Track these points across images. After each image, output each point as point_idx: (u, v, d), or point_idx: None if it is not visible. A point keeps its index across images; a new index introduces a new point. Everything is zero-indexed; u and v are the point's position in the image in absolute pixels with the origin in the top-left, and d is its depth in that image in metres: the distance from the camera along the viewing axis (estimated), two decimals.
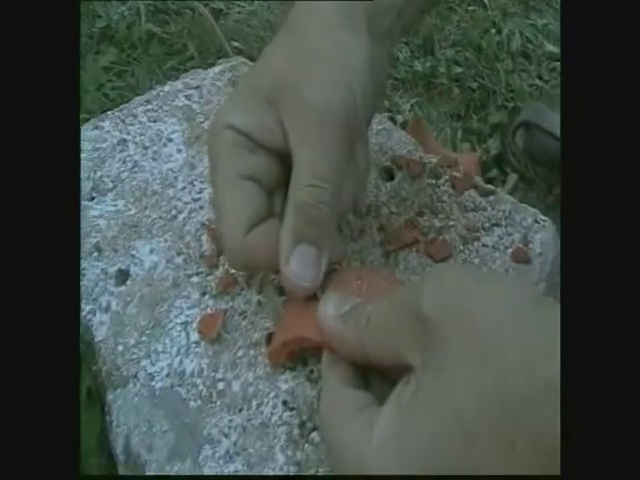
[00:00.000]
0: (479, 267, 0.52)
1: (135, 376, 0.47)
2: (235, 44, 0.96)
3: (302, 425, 0.46)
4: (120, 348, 0.48)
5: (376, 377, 0.42)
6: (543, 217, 0.59)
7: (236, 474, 0.44)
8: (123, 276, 0.51)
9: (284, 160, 0.44)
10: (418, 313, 0.35)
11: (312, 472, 0.44)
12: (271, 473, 0.44)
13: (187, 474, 0.44)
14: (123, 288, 0.50)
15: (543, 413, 0.30)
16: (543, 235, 0.57)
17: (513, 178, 1.00)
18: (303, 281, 0.42)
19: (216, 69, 0.64)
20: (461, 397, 0.32)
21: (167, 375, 0.47)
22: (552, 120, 1.01)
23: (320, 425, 0.43)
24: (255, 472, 0.44)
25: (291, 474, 0.44)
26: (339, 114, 0.42)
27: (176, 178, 0.56)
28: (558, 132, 0.98)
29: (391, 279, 0.47)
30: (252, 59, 1.10)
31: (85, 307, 0.50)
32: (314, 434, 0.45)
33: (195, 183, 0.56)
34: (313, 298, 0.46)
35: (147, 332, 0.48)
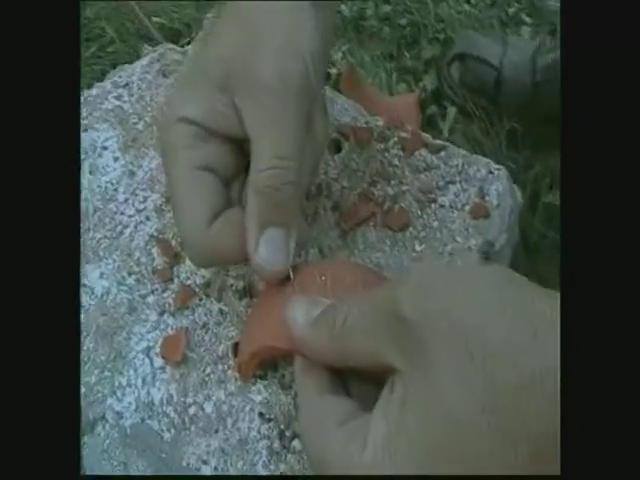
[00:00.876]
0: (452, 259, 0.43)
1: (103, 417, 0.38)
2: (156, 20, 0.83)
3: (281, 435, 0.38)
4: (82, 389, 0.38)
5: (354, 377, 0.34)
6: (496, 166, 0.51)
7: (236, 474, 0.37)
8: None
9: (240, 147, 0.37)
10: (397, 315, 0.29)
11: None
12: None
13: (187, 474, 0.37)
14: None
15: (532, 402, 0.26)
16: (498, 185, 0.48)
17: (452, 112, 0.90)
18: (274, 266, 0.35)
19: (143, 61, 0.52)
20: (451, 399, 0.27)
21: (136, 409, 0.38)
22: (486, 47, 0.90)
23: (302, 438, 0.36)
24: None
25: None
26: (294, 88, 0.35)
27: (116, 190, 0.46)
28: (493, 59, 0.88)
29: (355, 271, 0.38)
30: (176, 33, 0.99)
31: None
32: (295, 442, 0.38)
33: (137, 192, 0.46)
34: (276, 300, 0.38)
35: (108, 366, 0.39)
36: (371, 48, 1.04)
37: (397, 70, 0.98)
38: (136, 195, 0.46)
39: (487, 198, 0.48)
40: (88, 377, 0.39)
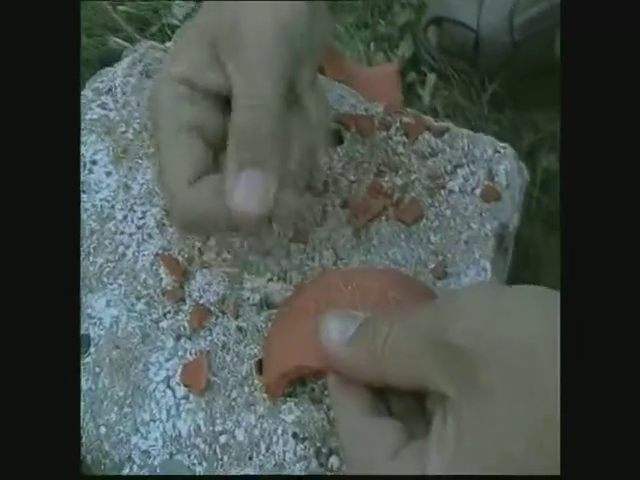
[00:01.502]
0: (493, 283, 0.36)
1: (129, 458, 0.33)
2: (121, 9, 0.75)
3: (318, 453, 0.33)
4: (103, 430, 0.33)
5: (393, 393, 0.29)
6: (502, 144, 0.45)
7: (236, 474, 0.33)
8: (83, 344, 0.35)
9: (228, 109, 0.33)
10: (448, 342, 0.26)
11: None
12: None
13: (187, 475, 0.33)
14: (88, 359, 0.35)
15: None
16: (506, 164, 0.43)
17: (432, 78, 0.84)
18: (251, 207, 0.31)
19: (124, 63, 0.45)
20: (503, 432, 0.25)
21: (163, 445, 0.33)
22: (461, 9, 0.83)
23: (348, 466, 0.31)
24: None
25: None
26: (274, 38, 0.31)
27: (113, 207, 0.39)
28: (469, 21, 0.82)
29: (381, 278, 0.33)
30: (144, 21, 0.90)
31: None
32: (332, 459, 0.33)
33: (135, 208, 0.39)
34: (302, 315, 0.33)
35: (128, 402, 0.34)
36: (345, 19, 0.98)
37: (373, 39, 0.92)
38: (134, 211, 0.39)
39: (496, 179, 0.43)
40: (107, 415, 0.34)
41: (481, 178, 0.42)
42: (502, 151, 0.43)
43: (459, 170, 0.42)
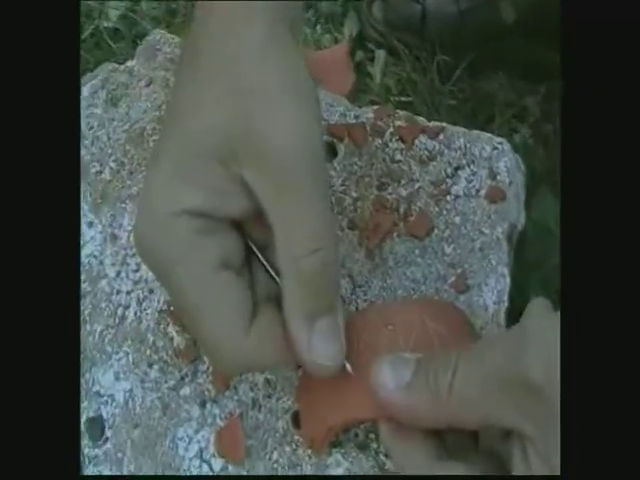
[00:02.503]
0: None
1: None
2: None
3: None
4: None
5: (449, 433, 0.26)
6: (498, 139, 0.39)
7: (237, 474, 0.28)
8: (97, 427, 0.28)
9: (241, 225, 0.25)
10: (526, 382, 0.22)
11: None
12: None
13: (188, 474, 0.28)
14: (108, 445, 0.28)
15: None
16: (506, 161, 0.37)
17: (381, 55, 0.77)
18: (333, 360, 0.25)
19: (84, 91, 0.34)
20: None
21: None
22: None
23: None
24: None
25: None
26: (316, 151, 0.24)
27: (102, 263, 0.31)
28: None
29: (419, 310, 0.27)
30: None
31: None
32: None
33: (128, 260, 0.31)
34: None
35: None
36: None
37: (317, 19, 0.83)
38: (127, 264, 0.31)
39: (499, 177, 0.36)
40: None
41: (483, 178, 0.36)
42: (500, 147, 0.37)
43: (460, 172, 0.36)
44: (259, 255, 0.25)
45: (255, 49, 0.23)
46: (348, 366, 0.25)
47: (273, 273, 0.25)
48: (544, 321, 0.24)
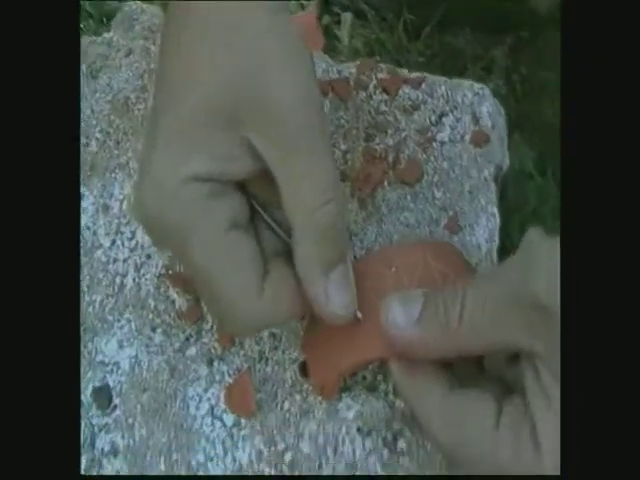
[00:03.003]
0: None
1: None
2: None
3: (386, 442, 0.26)
4: None
5: (458, 362, 0.25)
6: (478, 85, 0.37)
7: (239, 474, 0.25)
8: (104, 396, 0.26)
9: (244, 186, 0.24)
10: (534, 302, 0.21)
11: None
12: None
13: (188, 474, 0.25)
14: (118, 412, 0.25)
15: None
16: (487, 105, 0.35)
17: (348, 17, 0.73)
18: (349, 307, 0.24)
19: None
20: None
21: None
22: None
23: (451, 447, 0.23)
24: None
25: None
26: (317, 107, 0.23)
27: (96, 234, 0.29)
28: None
29: (421, 251, 0.26)
30: None
31: (82, 464, 0.25)
32: (400, 443, 0.26)
33: (122, 229, 0.29)
34: None
35: (175, 448, 0.25)
36: None
37: None
38: (122, 232, 0.29)
39: (481, 122, 0.34)
40: (155, 468, 0.25)
41: (467, 123, 0.34)
42: (480, 92, 0.35)
43: (444, 119, 0.34)
44: (264, 214, 0.24)
45: (262, 17, 0.22)
46: (359, 313, 0.24)
47: (279, 230, 0.24)
48: (546, 244, 0.23)
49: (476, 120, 0.35)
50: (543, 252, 0.22)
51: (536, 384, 0.22)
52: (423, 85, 0.35)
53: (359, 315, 0.24)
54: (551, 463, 0.21)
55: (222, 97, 0.22)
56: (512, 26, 0.52)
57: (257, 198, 0.24)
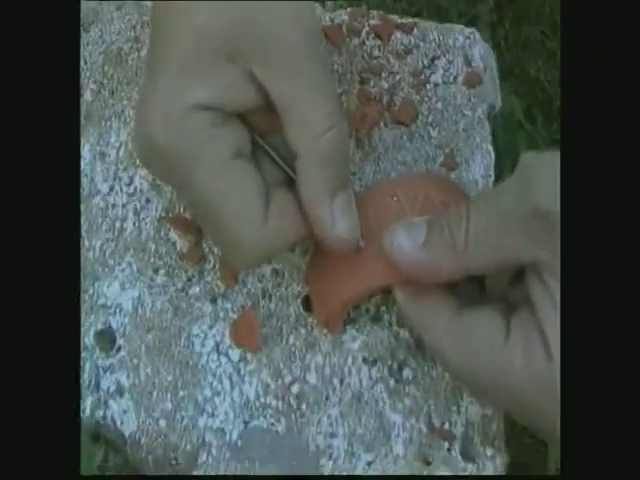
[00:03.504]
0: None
1: (203, 443, 0.23)
2: None
3: (391, 371, 0.25)
4: (163, 423, 0.23)
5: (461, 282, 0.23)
6: (469, 29, 0.35)
7: (240, 474, 0.23)
8: (107, 339, 0.24)
9: (247, 116, 0.23)
10: (537, 211, 0.20)
11: (425, 409, 0.24)
12: (399, 438, 0.23)
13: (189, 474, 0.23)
14: (122, 353, 0.24)
15: None
16: (479, 48, 0.33)
17: None
18: (351, 233, 0.23)
19: None
20: None
21: (235, 417, 0.23)
22: None
23: (455, 368, 0.22)
24: (385, 445, 0.23)
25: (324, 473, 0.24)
26: (315, 38, 0.23)
27: (93, 181, 0.27)
28: None
29: (422, 182, 0.25)
30: None
31: (87, 405, 0.23)
32: (406, 372, 0.25)
33: (120, 175, 0.27)
34: None
35: (181, 385, 0.23)
36: None
37: None
38: (120, 179, 0.27)
39: (473, 64, 0.33)
40: (162, 406, 0.23)
41: (459, 65, 0.33)
42: (472, 36, 0.33)
43: (437, 62, 0.32)
44: (265, 145, 0.23)
45: None
46: (361, 240, 0.22)
47: (280, 161, 0.23)
48: (542, 157, 0.21)
49: (468, 62, 0.33)
50: (540, 164, 0.21)
51: (543, 292, 0.21)
52: (415, 30, 0.33)
53: (361, 243, 0.22)
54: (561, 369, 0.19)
55: (224, 29, 0.21)
56: None
57: (258, 131, 0.23)
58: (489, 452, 0.23)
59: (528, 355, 0.20)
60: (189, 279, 0.25)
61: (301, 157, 0.22)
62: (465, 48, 0.34)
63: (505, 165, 0.42)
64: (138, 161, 0.27)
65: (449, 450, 0.23)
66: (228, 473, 0.22)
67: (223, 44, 0.21)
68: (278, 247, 0.22)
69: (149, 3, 0.32)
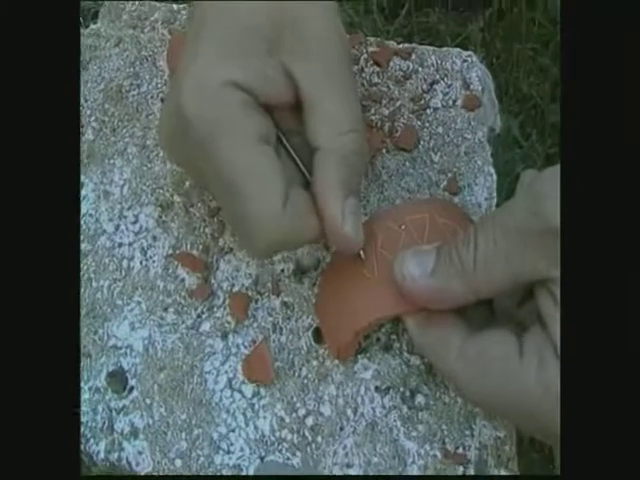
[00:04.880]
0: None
1: (220, 477, 0.23)
2: None
3: (404, 398, 0.25)
4: (179, 463, 0.23)
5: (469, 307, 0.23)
6: (466, 52, 0.36)
7: (242, 474, 0.23)
8: (119, 380, 0.24)
9: (274, 112, 0.24)
10: (546, 228, 0.21)
11: (439, 435, 0.24)
12: (415, 465, 0.23)
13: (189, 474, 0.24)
14: (135, 394, 0.24)
15: None
16: (476, 70, 0.34)
17: None
18: (358, 235, 0.23)
19: None
20: None
21: (251, 452, 0.23)
22: None
23: (475, 391, 0.22)
24: (401, 473, 0.23)
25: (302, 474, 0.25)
26: (344, 40, 0.24)
27: (98, 221, 0.27)
28: None
29: (427, 208, 0.25)
30: None
31: (102, 448, 0.23)
32: (418, 398, 0.25)
33: (125, 213, 0.27)
34: (350, 271, 0.24)
35: (196, 423, 0.23)
36: None
37: None
38: (125, 217, 0.27)
39: (472, 87, 0.33)
40: (177, 445, 0.23)
41: (458, 89, 0.33)
42: (469, 59, 0.34)
43: (436, 86, 0.33)
44: (286, 143, 0.24)
45: None
46: (362, 253, 0.23)
47: (299, 161, 0.24)
48: (546, 174, 0.22)
49: (467, 85, 0.34)
50: (545, 181, 0.21)
51: (554, 307, 0.21)
52: (413, 56, 0.34)
53: (362, 255, 0.23)
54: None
55: (264, 19, 0.22)
56: (485, 2, 0.51)
57: (281, 129, 0.24)
58: (503, 473, 0.24)
59: (542, 368, 0.20)
60: (199, 316, 0.26)
61: (322, 152, 0.23)
62: (463, 71, 0.34)
63: (504, 183, 0.42)
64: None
65: (464, 474, 0.23)
66: None
67: (264, 36, 0.22)
68: (293, 237, 0.22)
69: (147, 37, 0.32)
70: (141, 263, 0.26)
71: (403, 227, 0.24)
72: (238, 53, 0.22)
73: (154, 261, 0.26)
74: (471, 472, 0.24)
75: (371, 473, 0.24)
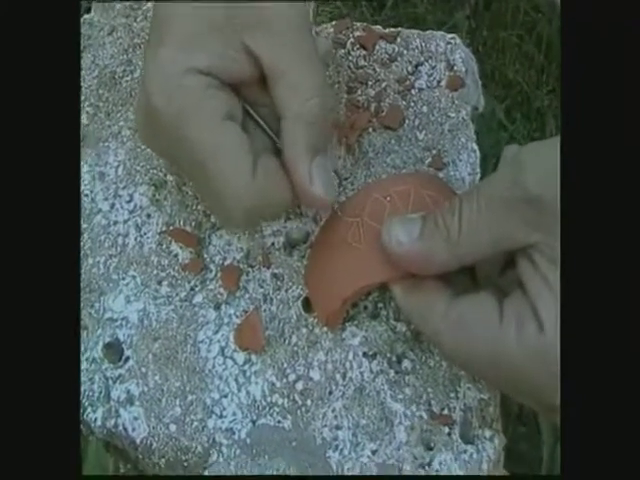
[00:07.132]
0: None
1: (213, 442, 0.23)
2: None
3: (391, 363, 0.26)
4: (173, 428, 0.24)
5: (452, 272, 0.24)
6: (450, 35, 0.36)
7: (243, 474, 0.23)
8: (115, 351, 0.25)
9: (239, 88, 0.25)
10: (527, 197, 0.21)
11: (425, 397, 0.25)
12: (402, 426, 0.24)
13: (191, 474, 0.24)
14: (130, 362, 0.24)
15: None
16: (460, 52, 0.34)
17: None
18: (330, 194, 0.25)
19: None
20: None
21: (243, 416, 0.24)
22: None
23: (455, 351, 0.22)
24: (388, 433, 0.24)
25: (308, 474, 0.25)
26: (307, 18, 0.25)
27: (94, 200, 0.28)
28: None
29: (412, 180, 0.26)
30: None
31: (99, 416, 0.24)
32: (405, 363, 0.26)
33: (120, 192, 0.28)
34: (338, 241, 0.25)
35: (189, 389, 0.24)
36: None
37: None
38: (120, 196, 0.28)
39: (455, 68, 0.34)
40: (172, 411, 0.24)
41: (442, 70, 0.34)
42: (452, 42, 0.35)
43: (421, 68, 0.34)
44: (254, 114, 0.25)
45: None
46: (336, 205, 0.25)
47: (267, 128, 0.25)
48: (527, 147, 0.23)
49: (450, 66, 0.34)
50: (526, 153, 0.22)
51: (534, 272, 0.22)
52: (398, 39, 0.35)
53: (336, 208, 0.25)
54: (553, 340, 0.20)
55: (222, 4, 0.23)
56: None
57: (248, 102, 0.25)
58: (487, 434, 0.25)
59: (520, 329, 0.21)
60: (192, 288, 0.26)
61: (287, 119, 0.24)
62: (447, 53, 0.35)
63: (489, 164, 0.43)
64: (136, 179, 0.28)
65: (449, 434, 0.24)
66: (238, 469, 0.23)
67: (221, 17, 0.23)
68: (265, 202, 0.23)
69: (139, 25, 0.33)
70: (136, 239, 0.27)
71: (388, 198, 0.25)
72: (196, 41, 0.23)
73: (148, 237, 0.27)
74: (456, 432, 0.25)
75: (359, 434, 0.24)
